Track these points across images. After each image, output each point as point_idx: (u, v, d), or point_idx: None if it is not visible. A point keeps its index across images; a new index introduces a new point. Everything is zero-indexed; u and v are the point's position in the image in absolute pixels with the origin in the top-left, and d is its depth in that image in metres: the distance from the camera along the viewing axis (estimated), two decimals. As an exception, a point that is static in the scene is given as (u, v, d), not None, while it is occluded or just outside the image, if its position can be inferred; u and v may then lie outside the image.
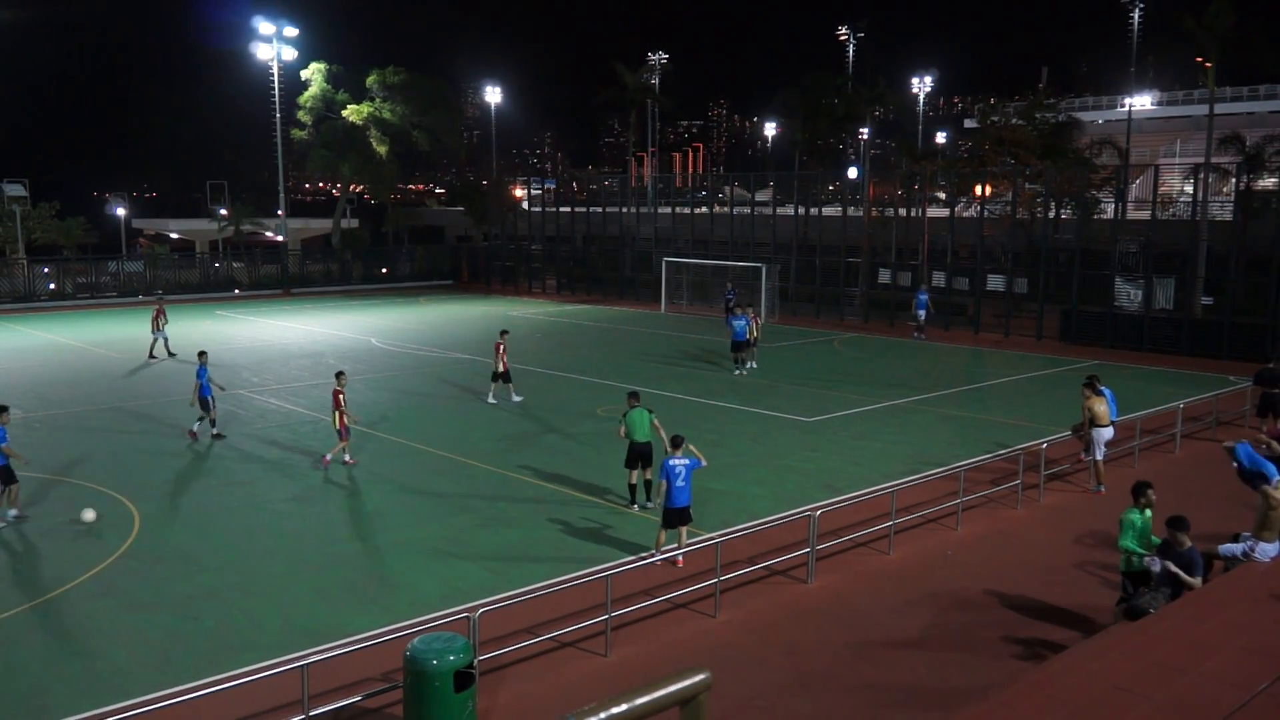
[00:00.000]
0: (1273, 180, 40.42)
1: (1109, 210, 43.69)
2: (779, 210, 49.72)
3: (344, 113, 60.73)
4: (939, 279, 42.20)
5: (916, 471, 18.31)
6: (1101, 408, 17.82)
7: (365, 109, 60.39)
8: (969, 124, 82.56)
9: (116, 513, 16.06)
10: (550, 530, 15.29)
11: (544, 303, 51.40)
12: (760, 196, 61.18)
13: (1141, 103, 74.55)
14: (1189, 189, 47.60)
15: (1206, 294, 36.18)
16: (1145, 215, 40.33)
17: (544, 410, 24.01)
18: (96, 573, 13.45)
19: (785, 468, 19.08)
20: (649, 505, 16.03)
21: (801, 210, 48.21)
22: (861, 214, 46.75)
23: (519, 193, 70.79)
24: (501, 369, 24.60)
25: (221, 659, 10.88)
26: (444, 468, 18.90)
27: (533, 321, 43.07)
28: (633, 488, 16.39)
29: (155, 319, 32.04)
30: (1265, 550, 11.47)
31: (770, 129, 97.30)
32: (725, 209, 52.73)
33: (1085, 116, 68.93)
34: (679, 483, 13.51)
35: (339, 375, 19.48)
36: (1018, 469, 17.22)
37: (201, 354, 21.91)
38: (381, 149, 61.07)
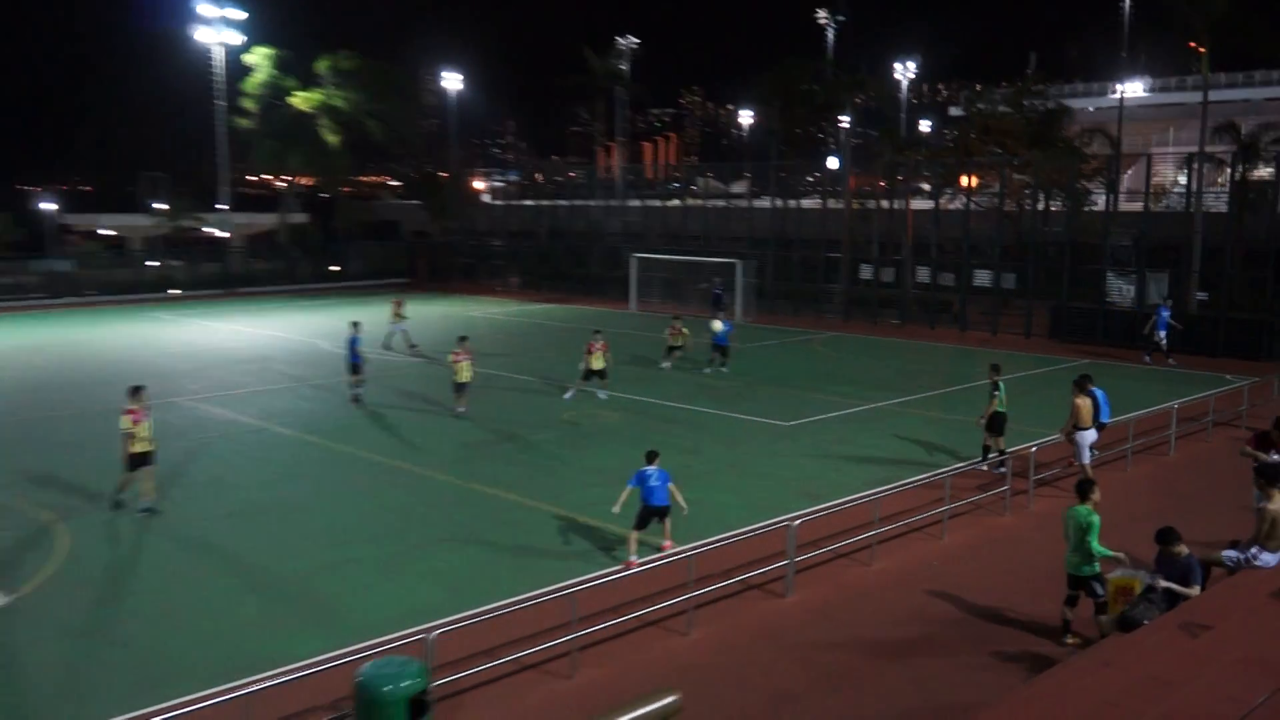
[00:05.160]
0: (1269, 170, 40.92)
1: (1100, 202, 44.13)
2: (755, 203, 49.92)
3: (292, 100, 60.24)
4: (923, 275, 42.46)
5: (900, 477, 18.39)
6: (1085, 409, 17.91)
7: (315, 96, 59.91)
8: (954, 112, 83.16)
9: (42, 532, 15.80)
10: (511, 544, 15.19)
11: (507, 302, 51.25)
12: (735, 188, 61.34)
13: (1133, 90, 75.39)
14: (1183, 180, 48.18)
15: (1201, 289, 36.60)
16: (1138, 207, 40.74)
17: (505, 416, 23.91)
18: (18, 597, 13.21)
19: (762, 475, 19.08)
20: (996, 465, 18.58)
21: (779, 203, 48.39)
22: (842, 207, 46.97)
23: (480, 185, 70.59)
24: (595, 366, 25.75)
25: (157, 688, 10.71)
26: (397, 479, 18.76)
27: (495, 322, 42.92)
28: (986, 449, 19.16)
29: (394, 311, 34.35)
30: (1266, 560, 11.60)
31: (746, 117, 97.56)
32: (698, 202, 52.83)
33: (1075, 104, 69.47)
34: (652, 482, 14.21)
35: (462, 339, 24.43)
36: (1006, 474, 17.32)
37: (355, 323, 26.11)
38: (332, 139, 60.61)
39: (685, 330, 30.49)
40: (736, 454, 20.50)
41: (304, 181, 70.67)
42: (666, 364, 30.18)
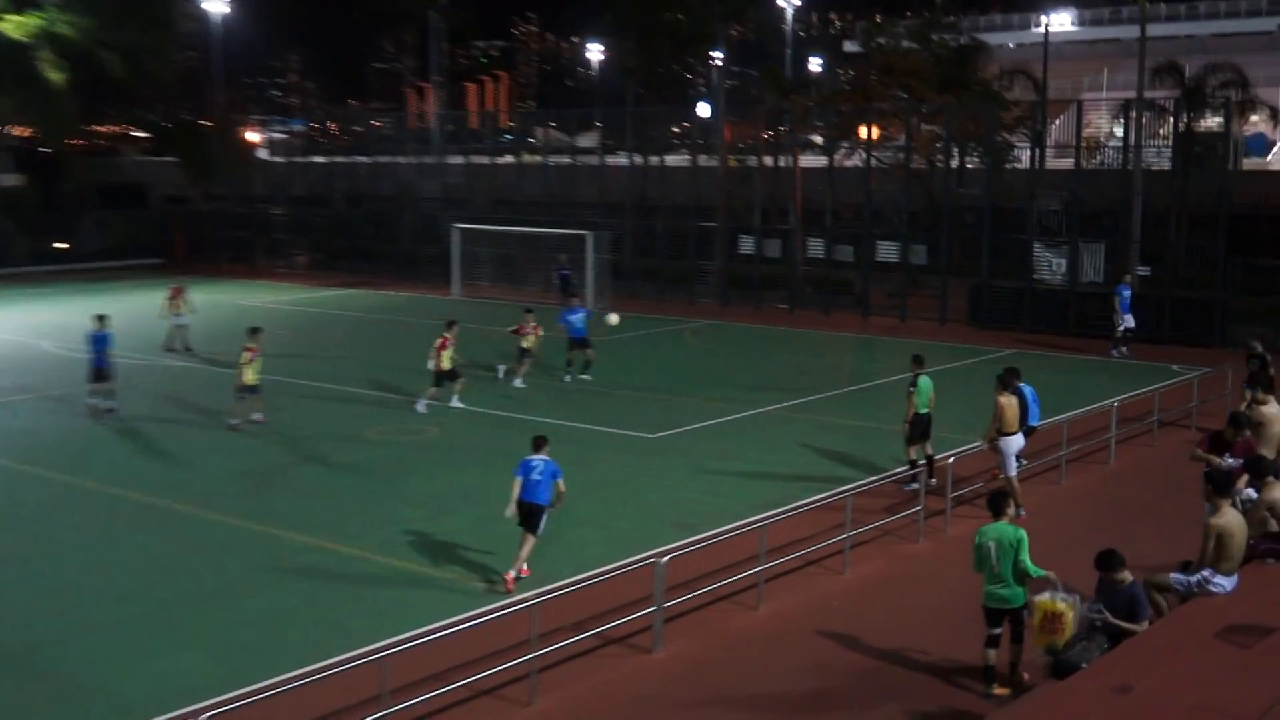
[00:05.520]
0: (1217, 120, 43.09)
1: (1024, 158, 45.80)
2: (608, 159, 50.11)
3: (1, 26, 57.78)
4: (816, 248, 43.27)
5: (792, 499, 18.72)
6: (1011, 410, 18.44)
7: (32, 21, 57.60)
8: (849, 48, 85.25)
9: None
10: (302, 599, 14.98)
11: (292, 287, 50.34)
12: (583, 141, 61.49)
13: (1060, 23, 78.52)
14: (1119, 131, 50.36)
15: (1143, 262, 38.20)
16: (1068, 164, 42.44)
17: (296, 435, 23.54)
18: None
19: (622, 500, 19.21)
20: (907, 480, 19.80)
21: (638, 159, 48.64)
22: (716, 164, 47.53)
23: (255, 137, 68.94)
24: (445, 366, 25.56)
25: None
26: (153, 520, 18.30)
27: (278, 314, 41.99)
28: (911, 463, 19.84)
29: (169, 301, 33.36)
30: (1221, 584, 12.22)
31: (595, 53, 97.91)
32: (537, 158, 52.79)
33: (993, 39, 72.12)
34: (535, 476, 15.10)
35: (254, 331, 24.84)
36: (919, 491, 17.83)
37: (101, 317, 25.42)
38: (56, 76, 58.43)
39: (540, 331, 28.89)
40: (591, 475, 20.49)
41: (18, 132, 67.83)
42: (515, 377, 28.48)
